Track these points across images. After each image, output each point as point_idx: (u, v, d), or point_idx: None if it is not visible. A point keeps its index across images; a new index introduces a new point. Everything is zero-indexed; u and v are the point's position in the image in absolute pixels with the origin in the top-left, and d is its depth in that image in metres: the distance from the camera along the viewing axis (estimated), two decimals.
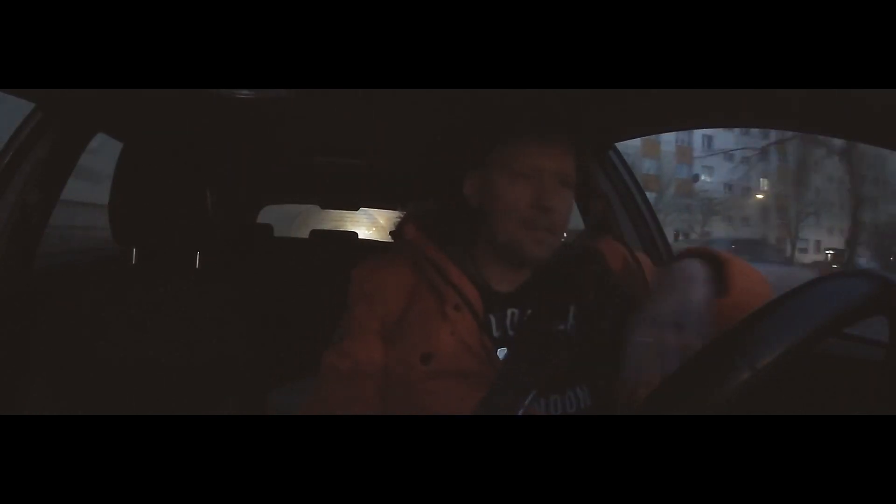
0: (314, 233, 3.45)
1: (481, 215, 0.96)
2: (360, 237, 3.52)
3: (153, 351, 1.22)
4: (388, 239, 1.06)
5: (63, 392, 1.19)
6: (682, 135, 19.12)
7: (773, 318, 0.46)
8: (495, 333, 0.93)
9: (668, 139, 18.41)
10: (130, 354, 1.22)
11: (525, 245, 0.91)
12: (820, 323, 0.46)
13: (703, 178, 20.16)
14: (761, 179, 19.53)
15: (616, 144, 1.61)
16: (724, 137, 18.47)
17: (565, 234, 1.00)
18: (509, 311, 0.95)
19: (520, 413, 0.83)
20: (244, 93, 1.34)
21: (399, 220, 1.01)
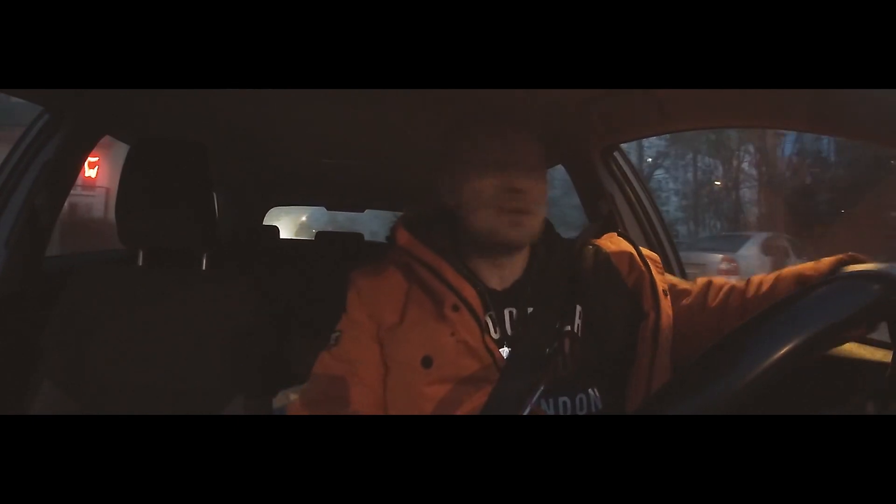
0: (320, 235, 3.47)
1: (459, 213, 0.95)
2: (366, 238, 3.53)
3: (160, 351, 1.22)
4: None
5: (70, 392, 1.20)
6: None
7: (760, 333, 0.46)
8: (494, 335, 0.92)
9: None
10: (137, 355, 1.22)
11: (501, 229, 0.91)
12: (817, 331, 0.45)
13: None
14: None
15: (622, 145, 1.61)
16: None
17: (546, 219, 0.99)
18: (507, 311, 0.94)
19: (525, 413, 0.82)
20: (251, 94, 1.34)
21: (392, 225, 1.01)
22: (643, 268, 0.97)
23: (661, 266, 1.01)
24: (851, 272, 0.49)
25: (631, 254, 0.99)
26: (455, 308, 0.90)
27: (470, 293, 0.91)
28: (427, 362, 0.89)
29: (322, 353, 0.96)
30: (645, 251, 1.00)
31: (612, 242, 1.02)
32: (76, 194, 8.42)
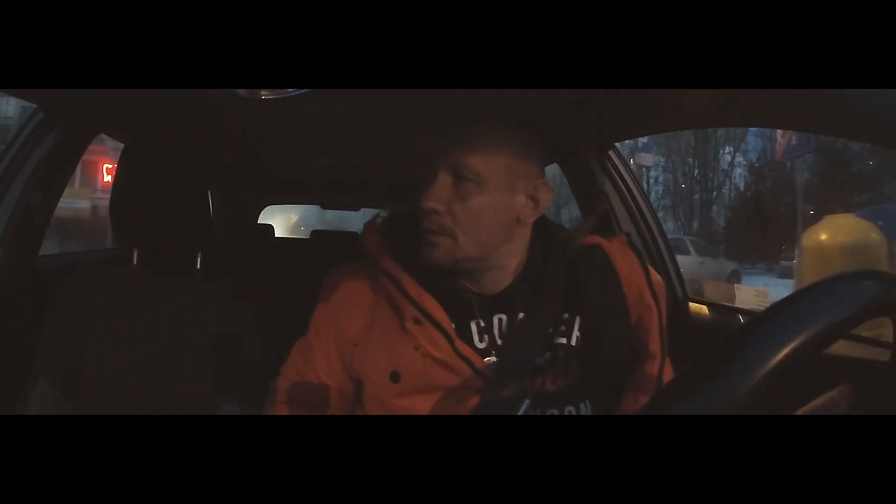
0: (315, 233, 3.46)
1: None
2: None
3: (154, 352, 1.22)
4: None
5: (66, 392, 1.19)
6: None
7: (770, 324, 0.46)
8: (479, 344, 0.88)
9: None
10: (132, 355, 1.22)
11: (423, 249, 0.88)
12: (819, 329, 0.45)
13: None
14: None
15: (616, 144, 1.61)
16: None
17: (547, 220, 0.95)
18: (496, 318, 0.90)
19: None
20: (245, 93, 1.34)
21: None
22: (652, 302, 0.92)
23: (664, 295, 0.96)
24: (852, 271, 0.49)
25: (642, 285, 0.93)
26: (416, 321, 0.86)
27: (432, 305, 0.87)
28: (395, 377, 0.86)
29: (290, 356, 0.98)
30: (653, 276, 0.95)
31: (624, 260, 0.95)
32: (98, 198, 9.87)
